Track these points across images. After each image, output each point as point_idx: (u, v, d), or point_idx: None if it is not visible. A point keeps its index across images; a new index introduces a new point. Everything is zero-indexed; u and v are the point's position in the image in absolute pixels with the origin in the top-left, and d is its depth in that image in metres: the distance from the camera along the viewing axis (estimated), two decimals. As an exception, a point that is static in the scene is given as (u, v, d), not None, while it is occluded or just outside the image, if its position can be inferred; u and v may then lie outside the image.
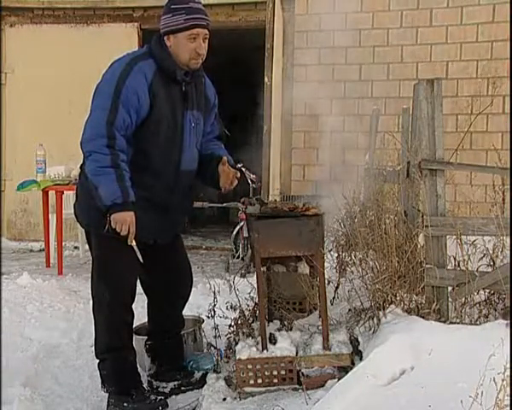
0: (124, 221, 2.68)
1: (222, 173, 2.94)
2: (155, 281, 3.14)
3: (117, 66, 2.78)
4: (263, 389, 2.84)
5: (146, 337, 3.29)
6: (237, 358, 2.86)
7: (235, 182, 2.97)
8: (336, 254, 3.43)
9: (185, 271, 3.23)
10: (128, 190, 2.69)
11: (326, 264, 3.05)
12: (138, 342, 3.24)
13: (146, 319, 3.34)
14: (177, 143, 2.87)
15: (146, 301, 3.27)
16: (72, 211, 3.06)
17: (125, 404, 2.91)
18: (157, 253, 2.99)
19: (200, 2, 2.81)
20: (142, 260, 2.81)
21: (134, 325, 3.11)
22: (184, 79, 2.84)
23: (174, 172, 2.89)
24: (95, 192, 2.70)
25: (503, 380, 1.87)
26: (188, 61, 2.81)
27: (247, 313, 3.23)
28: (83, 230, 3.18)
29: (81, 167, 2.94)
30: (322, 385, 2.73)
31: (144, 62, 2.78)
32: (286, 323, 3.09)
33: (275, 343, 2.88)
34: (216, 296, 3.42)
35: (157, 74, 2.78)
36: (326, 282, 3.01)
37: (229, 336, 3.26)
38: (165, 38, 2.80)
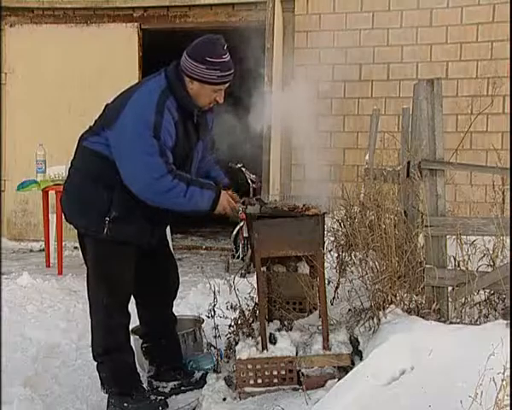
0: (224, 206, 2.87)
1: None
2: (143, 281, 3.10)
3: (147, 104, 2.74)
4: (263, 389, 2.85)
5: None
6: (237, 358, 2.86)
7: (228, 209, 2.97)
8: (336, 254, 3.43)
9: (171, 268, 3.25)
10: (209, 184, 2.89)
11: (326, 264, 3.05)
12: (137, 342, 3.24)
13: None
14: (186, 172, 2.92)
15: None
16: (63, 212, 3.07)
17: (126, 404, 2.92)
18: (144, 253, 3.02)
19: (228, 53, 2.79)
20: None
21: (133, 326, 3.11)
22: (198, 113, 2.90)
23: None
24: (191, 211, 2.85)
25: (502, 380, 1.87)
26: (203, 105, 2.87)
27: (247, 313, 3.23)
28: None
29: (75, 168, 2.94)
30: (322, 385, 2.74)
31: (169, 101, 2.79)
32: (286, 323, 3.09)
33: (275, 343, 2.88)
34: (216, 296, 3.42)
35: (178, 111, 2.81)
36: (326, 282, 3.01)
37: (229, 336, 3.27)
38: (189, 79, 2.79)
